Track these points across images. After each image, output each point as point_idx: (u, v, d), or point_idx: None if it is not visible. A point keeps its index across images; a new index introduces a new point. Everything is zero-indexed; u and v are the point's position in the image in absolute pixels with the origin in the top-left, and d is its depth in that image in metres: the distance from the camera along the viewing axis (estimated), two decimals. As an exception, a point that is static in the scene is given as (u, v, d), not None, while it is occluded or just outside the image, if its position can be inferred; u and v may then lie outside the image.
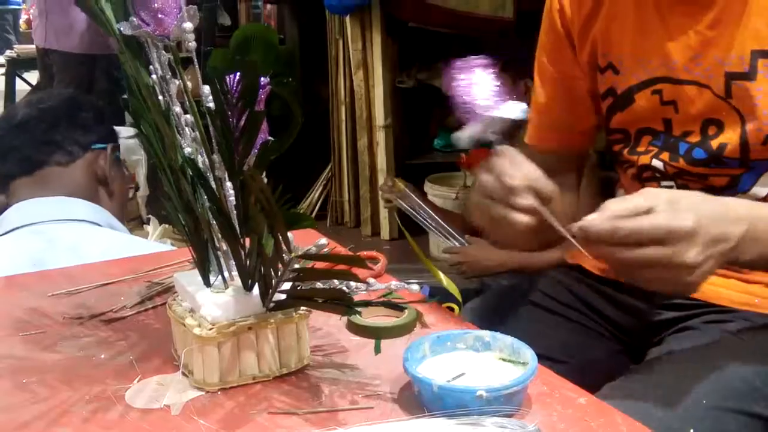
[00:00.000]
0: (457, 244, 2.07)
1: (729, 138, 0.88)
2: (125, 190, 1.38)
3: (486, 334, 0.67)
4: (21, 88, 5.72)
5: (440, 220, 2.12)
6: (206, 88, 0.64)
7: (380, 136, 3.33)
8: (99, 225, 1.21)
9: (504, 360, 0.66)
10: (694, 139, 0.92)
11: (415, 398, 0.63)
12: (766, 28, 0.84)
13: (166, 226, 1.67)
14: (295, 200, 3.60)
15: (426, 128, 3.63)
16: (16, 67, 5.82)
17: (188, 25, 0.62)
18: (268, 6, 4.56)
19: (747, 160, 0.88)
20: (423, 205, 2.15)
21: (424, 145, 3.62)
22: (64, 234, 1.14)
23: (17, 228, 1.16)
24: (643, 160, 0.97)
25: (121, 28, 0.63)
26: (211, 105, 0.64)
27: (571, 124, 1.07)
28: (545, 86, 1.06)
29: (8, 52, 6.38)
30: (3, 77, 6.12)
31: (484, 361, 0.66)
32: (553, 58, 1.04)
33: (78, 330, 0.79)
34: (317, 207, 3.64)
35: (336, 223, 3.59)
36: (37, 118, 1.26)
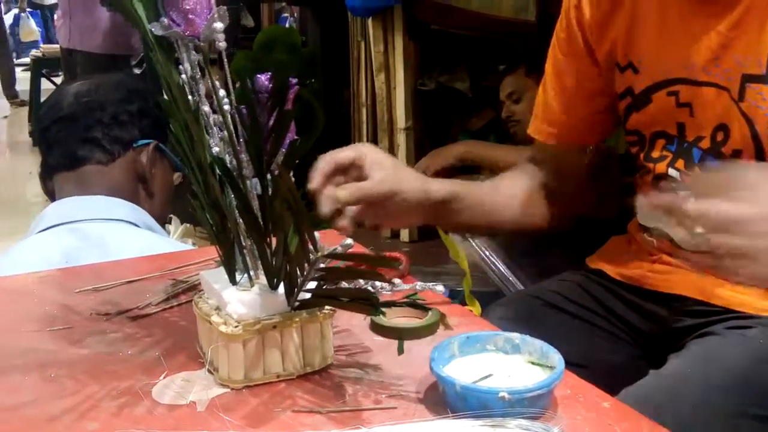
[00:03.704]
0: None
1: (742, 144, 0.88)
2: (168, 188, 1.33)
3: (516, 337, 0.67)
4: (46, 87, 5.79)
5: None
6: (222, 92, 0.64)
7: (401, 139, 3.33)
8: (137, 226, 1.21)
9: (533, 363, 0.66)
10: (705, 145, 0.91)
11: (440, 399, 0.63)
12: None
13: (188, 225, 1.67)
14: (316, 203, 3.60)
15: (447, 131, 3.63)
16: (40, 67, 5.89)
17: (219, 25, 0.62)
18: (291, 8, 4.59)
19: None
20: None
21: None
22: (101, 233, 1.14)
23: (55, 225, 1.17)
24: (660, 168, 0.96)
25: (153, 29, 0.63)
26: (227, 107, 0.64)
27: (578, 120, 1.07)
28: (556, 80, 1.07)
29: (33, 51, 6.47)
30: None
31: (513, 363, 0.66)
32: (568, 53, 1.05)
33: (105, 326, 0.80)
34: (337, 208, 3.65)
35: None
36: (81, 113, 1.24)
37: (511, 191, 1.08)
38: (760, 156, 0.87)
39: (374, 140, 3.45)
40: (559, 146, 1.09)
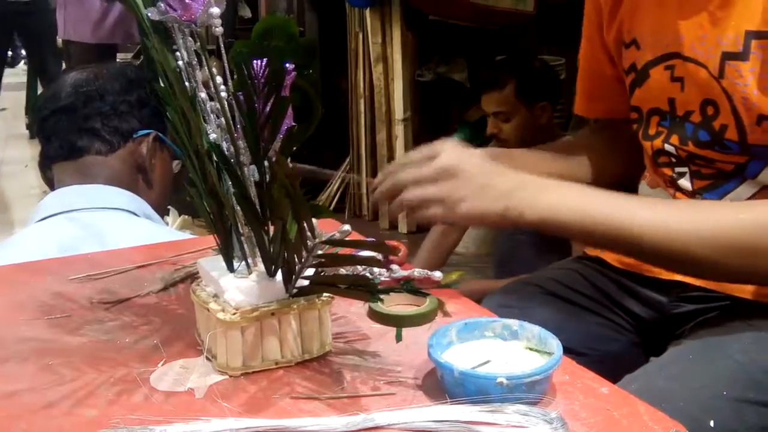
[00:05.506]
0: None
1: (727, 120, 0.89)
2: (168, 178, 1.33)
3: (514, 323, 0.67)
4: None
5: None
6: (219, 78, 0.64)
7: (399, 130, 3.33)
8: (135, 215, 1.20)
9: (531, 349, 0.66)
10: (696, 119, 0.93)
11: (438, 385, 0.63)
12: (762, 9, 0.83)
13: (186, 217, 1.67)
14: (313, 192, 3.61)
15: (445, 122, 3.63)
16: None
17: (215, 10, 0.62)
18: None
19: (746, 144, 0.88)
20: None
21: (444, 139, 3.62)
22: (99, 222, 1.14)
23: (53, 215, 1.16)
24: (657, 144, 0.98)
25: (149, 14, 0.63)
26: (224, 94, 0.64)
27: (607, 95, 1.12)
28: (584, 60, 1.13)
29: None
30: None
31: (511, 349, 0.66)
32: (592, 32, 1.09)
33: (102, 314, 0.80)
34: (335, 199, 3.66)
35: (354, 215, 3.60)
36: (80, 103, 1.23)
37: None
38: (741, 130, 0.88)
39: (372, 131, 3.45)
40: (604, 120, 1.15)
